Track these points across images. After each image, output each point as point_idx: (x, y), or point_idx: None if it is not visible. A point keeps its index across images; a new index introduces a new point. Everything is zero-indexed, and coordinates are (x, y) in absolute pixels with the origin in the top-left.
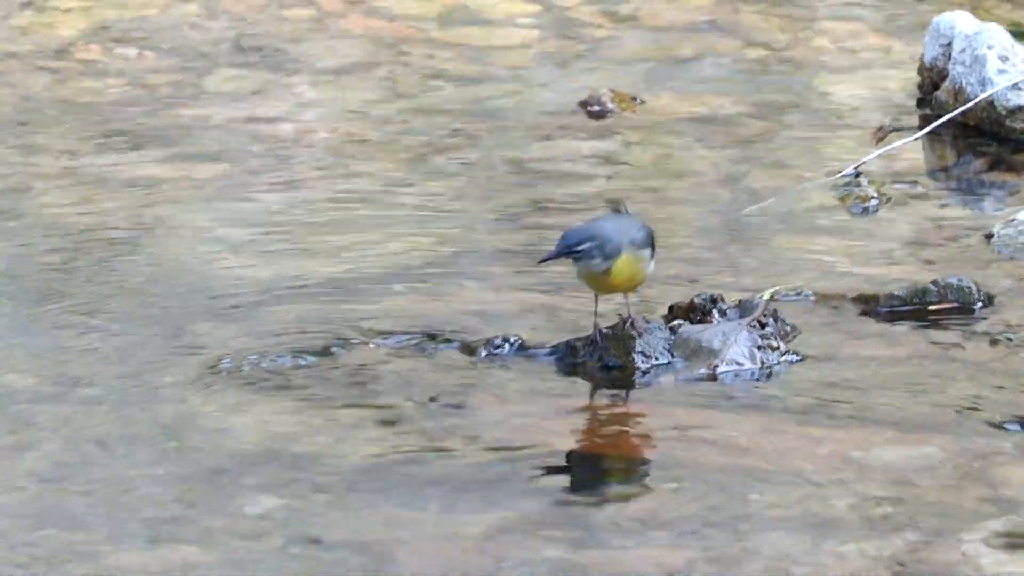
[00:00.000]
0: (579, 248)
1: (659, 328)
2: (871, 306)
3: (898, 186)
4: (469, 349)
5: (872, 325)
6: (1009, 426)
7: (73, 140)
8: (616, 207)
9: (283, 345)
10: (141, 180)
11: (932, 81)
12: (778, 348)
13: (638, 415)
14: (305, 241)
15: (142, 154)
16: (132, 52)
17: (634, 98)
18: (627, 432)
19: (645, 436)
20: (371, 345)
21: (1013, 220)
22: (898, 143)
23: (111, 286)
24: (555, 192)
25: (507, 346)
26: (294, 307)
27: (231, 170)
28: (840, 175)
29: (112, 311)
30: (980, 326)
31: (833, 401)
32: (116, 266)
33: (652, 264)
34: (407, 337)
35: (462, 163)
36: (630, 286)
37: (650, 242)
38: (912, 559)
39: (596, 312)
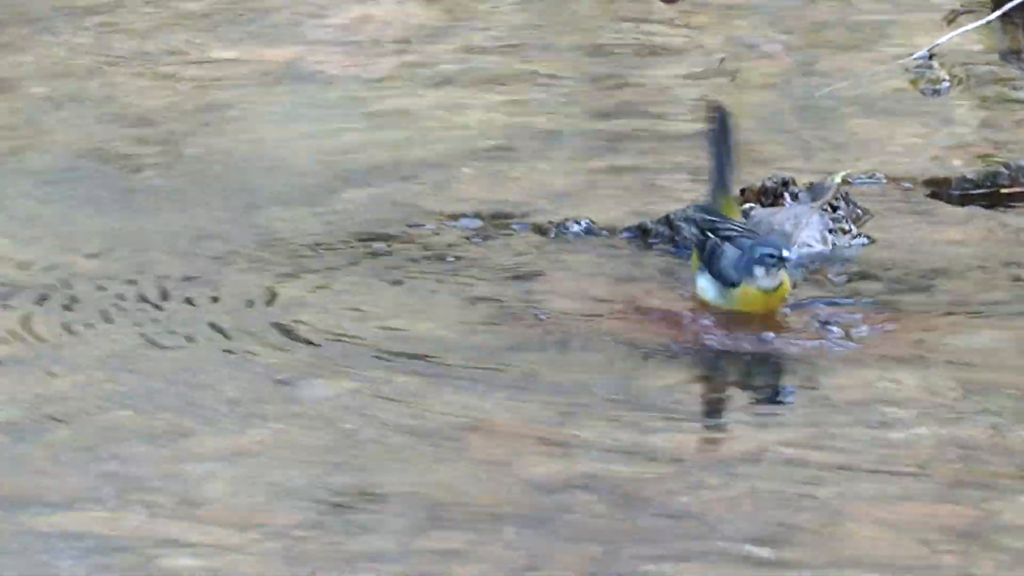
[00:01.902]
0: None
1: None
2: (942, 189)
3: (970, 69)
4: (540, 230)
5: (943, 208)
6: None
7: (143, 23)
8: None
9: (355, 228)
10: (212, 63)
11: None
12: (849, 231)
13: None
14: (376, 124)
15: (213, 37)
16: None
17: None
18: (698, 317)
19: (715, 321)
20: (443, 227)
21: None
22: (970, 26)
23: (182, 170)
24: (625, 76)
25: (578, 228)
26: (366, 191)
27: (301, 54)
28: (912, 57)
29: (183, 195)
30: None
31: (905, 284)
32: (187, 149)
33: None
34: (479, 219)
35: (532, 47)
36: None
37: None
38: (984, 443)
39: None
